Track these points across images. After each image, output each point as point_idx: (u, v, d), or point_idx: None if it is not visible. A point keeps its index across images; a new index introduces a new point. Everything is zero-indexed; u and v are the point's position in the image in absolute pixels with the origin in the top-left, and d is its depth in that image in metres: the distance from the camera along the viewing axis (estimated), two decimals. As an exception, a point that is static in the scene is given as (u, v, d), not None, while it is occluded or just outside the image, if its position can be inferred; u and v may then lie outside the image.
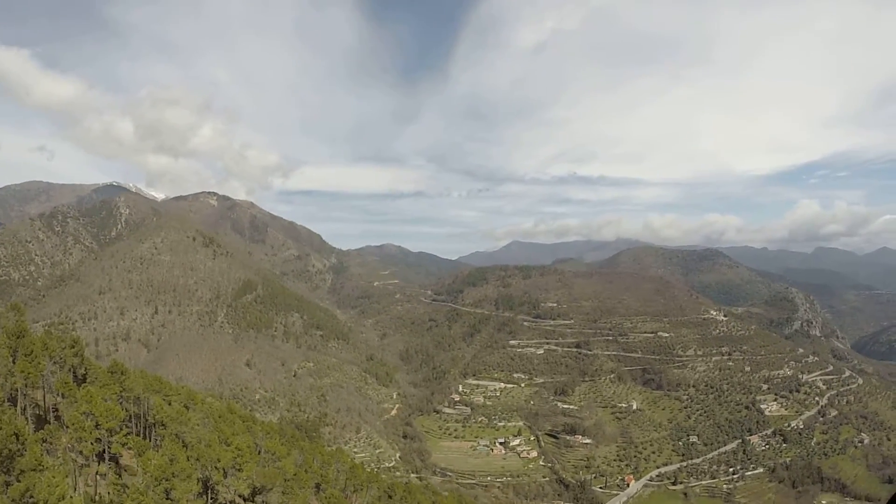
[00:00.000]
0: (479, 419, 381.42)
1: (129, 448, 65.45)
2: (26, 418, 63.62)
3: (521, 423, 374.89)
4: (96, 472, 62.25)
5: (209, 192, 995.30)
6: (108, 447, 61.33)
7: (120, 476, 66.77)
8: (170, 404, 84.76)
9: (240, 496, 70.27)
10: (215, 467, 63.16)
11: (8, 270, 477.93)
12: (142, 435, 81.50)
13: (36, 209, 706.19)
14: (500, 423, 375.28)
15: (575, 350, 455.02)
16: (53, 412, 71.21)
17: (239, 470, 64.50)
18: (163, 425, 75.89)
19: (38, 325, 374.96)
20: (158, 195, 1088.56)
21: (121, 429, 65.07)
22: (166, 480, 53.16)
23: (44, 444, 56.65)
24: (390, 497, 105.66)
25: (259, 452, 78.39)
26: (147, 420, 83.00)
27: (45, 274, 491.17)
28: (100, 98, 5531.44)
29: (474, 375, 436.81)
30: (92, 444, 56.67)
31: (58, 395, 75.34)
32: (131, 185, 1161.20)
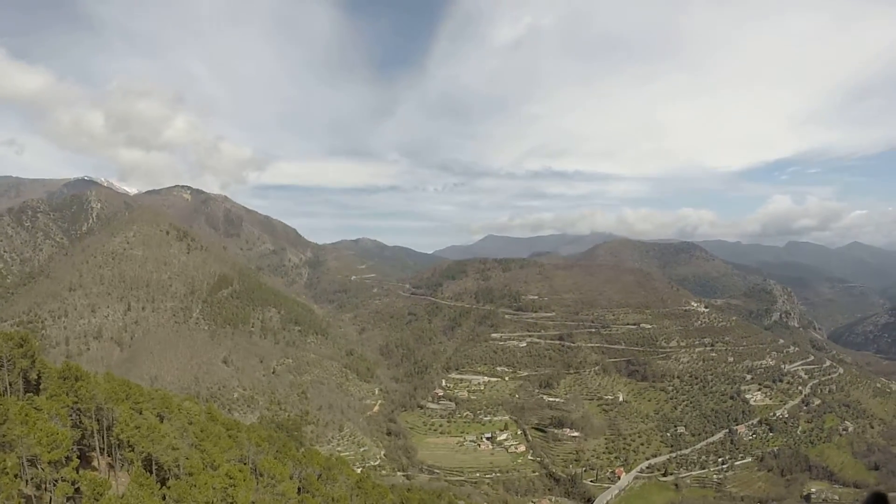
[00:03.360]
0: (465, 414, 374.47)
1: (80, 491, 50.35)
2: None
3: (507, 418, 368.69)
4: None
5: (183, 186, 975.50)
6: (52, 487, 49.34)
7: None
8: (140, 413, 73.05)
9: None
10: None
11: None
12: (105, 455, 70.62)
13: (5, 205, 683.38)
14: (485, 418, 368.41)
15: (558, 342, 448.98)
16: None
17: (233, 507, 54.15)
18: (130, 447, 63.86)
19: (5, 323, 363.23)
20: (131, 189, 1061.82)
21: (70, 458, 52.85)
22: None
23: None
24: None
25: (252, 470, 68.55)
26: (111, 439, 70.65)
27: (13, 271, 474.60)
28: (70, 90, 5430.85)
29: (457, 369, 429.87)
30: (25, 487, 46.43)
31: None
32: (103, 179, 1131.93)
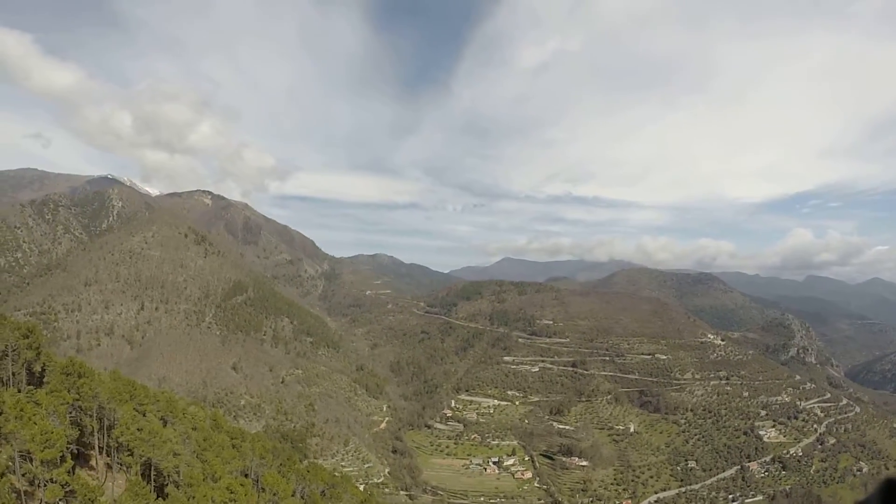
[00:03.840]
0: (472, 436, 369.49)
1: (72, 493, 46.70)
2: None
3: (515, 443, 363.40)
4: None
5: (204, 191, 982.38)
6: (43, 487, 45.77)
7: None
8: (144, 415, 70.12)
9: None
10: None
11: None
12: (104, 455, 67.48)
13: (28, 197, 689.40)
14: (493, 442, 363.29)
15: (571, 369, 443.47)
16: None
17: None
18: (129, 451, 60.88)
19: (19, 313, 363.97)
20: (153, 190, 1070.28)
21: (65, 458, 49.23)
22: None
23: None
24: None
25: (253, 483, 65.35)
26: (110, 442, 67.53)
27: (31, 261, 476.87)
28: (99, 89, 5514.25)
29: (467, 391, 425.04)
30: (18, 482, 43.42)
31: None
32: (126, 178, 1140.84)
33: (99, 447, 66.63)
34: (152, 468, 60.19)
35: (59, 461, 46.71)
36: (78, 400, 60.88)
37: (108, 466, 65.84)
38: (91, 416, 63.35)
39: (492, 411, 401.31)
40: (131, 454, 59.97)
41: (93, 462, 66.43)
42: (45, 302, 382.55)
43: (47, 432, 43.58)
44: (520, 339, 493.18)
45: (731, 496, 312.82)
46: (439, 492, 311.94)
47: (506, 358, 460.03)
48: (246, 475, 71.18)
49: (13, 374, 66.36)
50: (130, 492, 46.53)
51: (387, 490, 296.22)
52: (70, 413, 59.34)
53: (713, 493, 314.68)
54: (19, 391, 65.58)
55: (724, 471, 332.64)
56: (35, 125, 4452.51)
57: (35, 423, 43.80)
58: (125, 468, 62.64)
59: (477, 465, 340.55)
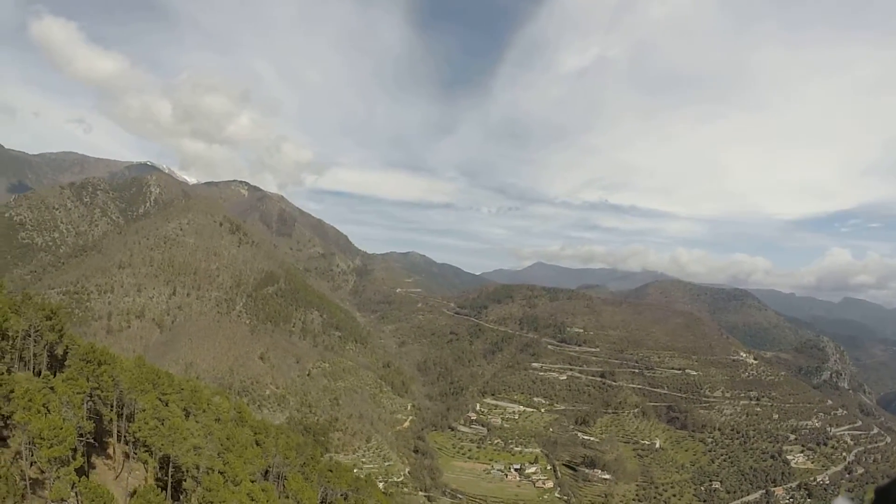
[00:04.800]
0: (495, 441, 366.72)
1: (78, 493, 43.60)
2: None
3: (538, 451, 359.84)
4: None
5: (240, 182, 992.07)
6: (50, 484, 42.83)
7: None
8: (166, 405, 68.06)
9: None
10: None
11: (32, 234, 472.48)
12: (122, 443, 65.28)
13: (68, 179, 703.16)
14: (516, 448, 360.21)
15: (599, 379, 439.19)
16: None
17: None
18: (147, 448, 58.65)
19: (53, 291, 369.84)
20: (190, 179, 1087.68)
21: (75, 455, 46.21)
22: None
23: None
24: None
25: (276, 480, 62.90)
26: (127, 435, 65.15)
27: (68, 242, 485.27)
28: (141, 77, 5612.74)
29: (493, 395, 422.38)
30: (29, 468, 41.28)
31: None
32: (164, 166, 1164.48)
33: (118, 434, 64.65)
34: (170, 463, 57.98)
35: (69, 457, 44.06)
36: (97, 389, 58.64)
37: (126, 455, 63.72)
38: (109, 406, 61.11)
39: (516, 417, 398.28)
40: (149, 451, 57.61)
41: (110, 450, 64.45)
42: (78, 282, 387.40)
43: (56, 427, 41.02)
44: (549, 346, 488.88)
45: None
46: (458, 495, 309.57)
47: (534, 364, 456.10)
48: (268, 472, 68.86)
49: (34, 355, 64.71)
50: (143, 499, 43.85)
51: (405, 490, 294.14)
52: (88, 402, 56.92)
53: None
54: (39, 374, 63.93)
55: (748, 494, 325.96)
56: (78, 111, 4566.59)
57: (44, 416, 41.59)
58: (145, 467, 60.16)
59: (498, 470, 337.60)
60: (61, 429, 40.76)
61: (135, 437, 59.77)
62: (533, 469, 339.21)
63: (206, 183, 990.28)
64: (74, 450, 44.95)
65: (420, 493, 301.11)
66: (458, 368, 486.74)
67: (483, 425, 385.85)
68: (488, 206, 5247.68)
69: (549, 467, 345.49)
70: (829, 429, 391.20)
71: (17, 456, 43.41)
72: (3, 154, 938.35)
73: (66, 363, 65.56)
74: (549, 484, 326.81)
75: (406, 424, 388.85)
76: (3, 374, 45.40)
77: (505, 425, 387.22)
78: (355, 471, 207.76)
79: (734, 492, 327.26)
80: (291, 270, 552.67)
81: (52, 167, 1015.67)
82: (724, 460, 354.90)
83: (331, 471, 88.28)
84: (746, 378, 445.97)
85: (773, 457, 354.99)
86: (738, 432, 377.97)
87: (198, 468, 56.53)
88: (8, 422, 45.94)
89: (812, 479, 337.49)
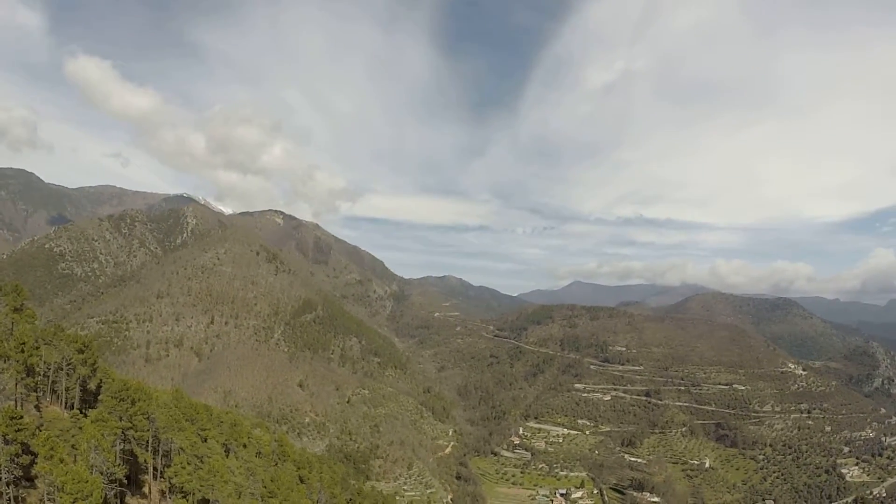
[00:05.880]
0: (540, 466, 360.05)
1: None
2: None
3: (584, 474, 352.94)
4: None
5: (276, 211, 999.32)
6: None
7: None
8: (205, 441, 64.21)
9: None
10: None
11: (72, 265, 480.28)
12: (158, 480, 61.28)
13: (107, 211, 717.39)
14: (561, 472, 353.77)
15: (644, 399, 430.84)
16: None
17: None
18: (184, 493, 54.22)
19: (92, 320, 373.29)
20: (226, 209, 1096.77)
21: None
22: None
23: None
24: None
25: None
26: (162, 477, 61.05)
27: (107, 272, 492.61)
28: (175, 112, 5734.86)
29: (536, 418, 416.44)
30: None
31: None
32: (200, 197, 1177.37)
33: (154, 469, 60.80)
34: (210, 505, 53.89)
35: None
36: (130, 428, 54.78)
37: (163, 493, 59.81)
38: (145, 445, 57.21)
39: (561, 440, 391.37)
40: (186, 497, 53.47)
41: (146, 488, 60.62)
42: (117, 311, 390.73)
43: (81, 480, 37.25)
44: (591, 366, 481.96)
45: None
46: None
47: (577, 385, 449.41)
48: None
49: (66, 389, 61.50)
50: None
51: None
52: (120, 444, 52.89)
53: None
54: (71, 408, 60.61)
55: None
56: (114, 145, 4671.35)
57: (68, 466, 37.78)
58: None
59: (544, 496, 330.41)
60: (87, 481, 36.96)
61: (170, 485, 55.78)
62: (579, 493, 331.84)
63: (241, 213, 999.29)
64: (105, 500, 41.21)
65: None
66: (500, 392, 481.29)
67: (527, 449, 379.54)
68: (523, 227, 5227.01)
69: (595, 491, 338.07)
70: (883, 438, 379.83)
71: (46, 497, 39.80)
72: (43, 188, 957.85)
73: (99, 397, 62.27)
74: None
75: (448, 450, 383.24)
76: (15, 414, 41.59)
77: (549, 449, 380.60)
78: (398, 498, 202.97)
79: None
80: (329, 297, 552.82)
81: (90, 200, 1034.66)
82: (777, 478, 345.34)
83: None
84: (796, 390, 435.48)
85: (827, 471, 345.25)
86: (790, 448, 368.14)
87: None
88: (35, 461, 42.71)
89: (868, 492, 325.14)
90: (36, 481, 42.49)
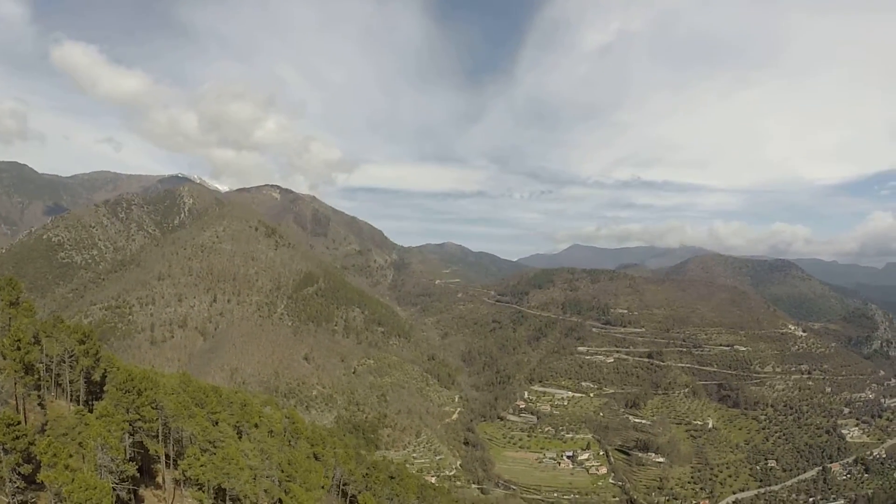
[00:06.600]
0: (546, 429, 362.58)
1: None
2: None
3: (589, 436, 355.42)
4: None
5: (272, 186, 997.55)
6: None
7: None
8: (216, 425, 64.74)
9: None
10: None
11: (71, 254, 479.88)
12: (171, 469, 61.84)
13: (103, 197, 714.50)
14: (567, 435, 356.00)
15: (647, 360, 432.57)
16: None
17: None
18: (199, 485, 55.01)
19: (95, 307, 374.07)
20: (222, 187, 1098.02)
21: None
22: None
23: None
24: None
25: (335, 492, 59.45)
26: (175, 467, 60.84)
27: (107, 258, 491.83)
28: (165, 92, 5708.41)
29: (540, 382, 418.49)
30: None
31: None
32: (196, 176, 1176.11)
33: (166, 457, 61.41)
34: (227, 494, 54.43)
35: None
36: (138, 420, 54.64)
37: (177, 482, 60.47)
38: (154, 437, 57.40)
39: (566, 403, 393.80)
40: (201, 488, 53.79)
41: (159, 478, 61.31)
42: (119, 296, 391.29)
43: (88, 487, 36.07)
44: (594, 329, 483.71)
45: (811, 499, 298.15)
46: (512, 486, 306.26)
47: (580, 348, 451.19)
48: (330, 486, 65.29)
49: (70, 382, 61.70)
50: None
51: (458, 483, 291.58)
52: (129, 438, 52.77)
53: (793, 496, 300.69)
54: (78, 402, 60.99)
55: (804, 471, 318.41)
56: (106, 130, 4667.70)
57: (74, 473, 37.11)
58: (199, 501, 56.13)
59: (551, 458, 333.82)
60: (94, 488, 36.09)
61: (185, 476, 56.03)
62: (585, 455, 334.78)
63: (238, 190, 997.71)
64: (118, 499, 41.29)
65: (473, 485, 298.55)
66: (503, 357, 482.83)
67: (532, 413, 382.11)
68: (520, 192, 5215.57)
69: (601, 453, 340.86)
70: (883, 400, 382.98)
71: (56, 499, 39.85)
72: (38, 179, 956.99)
73: (104, 388, 62.54)
74: (603, 470, 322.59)
75: (455, 417, 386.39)
76: (13, 420, 40.60)
77: (554, 412, 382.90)
78: (407, 466, 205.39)
79: (790, 469, 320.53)
80: (329, 269, 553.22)
81: (85, 187, 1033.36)
82: (779, 438, 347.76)
83: (392, 478, 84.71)
84: (796, 351, 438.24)
85: (827, 432, 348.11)
86: (791, 408, 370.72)
87: (256, 497, 52.97)
88: (38, 469, 42.37)
89: (868, 452, 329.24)
90: (43, 484, 42.17)
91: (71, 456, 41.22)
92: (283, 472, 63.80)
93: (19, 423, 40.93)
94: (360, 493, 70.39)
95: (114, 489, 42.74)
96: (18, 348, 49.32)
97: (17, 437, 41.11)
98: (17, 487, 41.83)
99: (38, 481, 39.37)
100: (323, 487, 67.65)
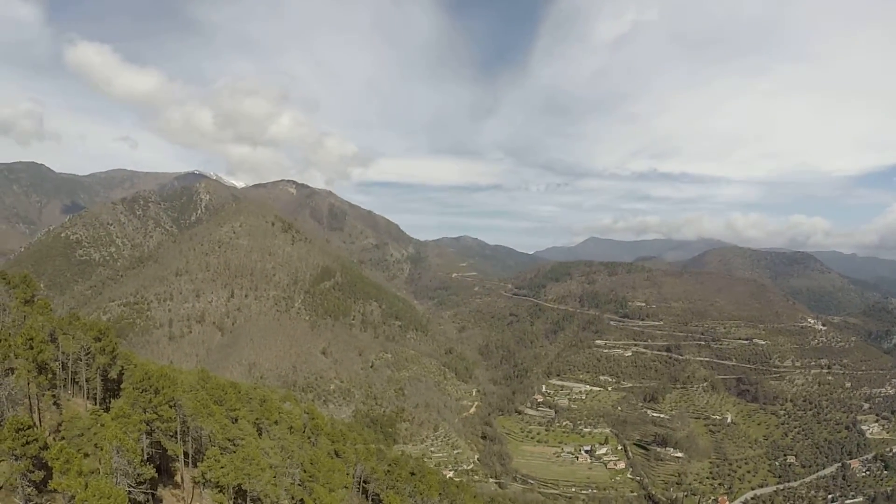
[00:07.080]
0: (564, 423, 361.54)
1: None
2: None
3: (608, 431, 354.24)
4: None
5: (288, 181, 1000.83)
6: None
7: None
8: (235, 422, 64.18)
9: None
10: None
11: (89, 251, 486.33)
12: (190, 467, 61.36)
13: (119, 195, 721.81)
14: (585, 429, 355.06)
15: (665, 354, 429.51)
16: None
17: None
18: (220, 487, 53.91)
19: (113, 303, 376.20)
20: (238, 183, 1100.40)
21: None
22: None
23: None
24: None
25: (357, 489, 58.80)
26: (195, 466, 59.93)
27: (124, 255, 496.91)
28: (180, 90, 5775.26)
29: (558, 375, 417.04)
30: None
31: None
32: (212, 173, 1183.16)
33: (185, 455, 60.89)
34: (247, 495, 53.76)
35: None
36: (156, 420, 53.89)
37: (196, 482, 59.86)
38: (172, 437, 56.67)
39: (584, 397, 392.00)
40: (221, 490, 52.97)
41: (177, 477, 60.82)
42: (138, 292, 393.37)
43: (103, 496, 35.06)
44: (611, 322, 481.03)
45: (830, 496, 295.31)
46: (530, 480, 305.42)
47: (597, 341, 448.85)
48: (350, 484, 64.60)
49: (87, 380, 61.18)
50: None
51: (476, 477, 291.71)
52: (146, 438, 51.96)
53: (812, 492, 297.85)
54: (95, 399, 60.51)
55: (824, 468, 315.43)
56: (122, 129, 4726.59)
57: (89, 482, 36.02)
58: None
59: (569, 453, 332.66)
60: (109, 496, 34.87)
61: (204, 479, 55.17)
62: (604, 450, 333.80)
63: (254, 185, 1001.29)
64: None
65: (490, 479, 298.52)
66: (521, 350, 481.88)
67: (550, 407, 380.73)
68: (536, 185, 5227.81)
69: (619, 447, 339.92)
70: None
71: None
72: (55, 178, 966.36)
73: (121, 385, 61.94)
74: (621, 465, 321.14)
75: (472, 410, 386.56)
76: (23, 425, 39.24)
77: (572, 406, 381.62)
78: (425, 460, 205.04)
79: (809, 466, 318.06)
80: (346, 264, 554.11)
81: (102, 185, 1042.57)
82: (798, 433, 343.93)
83: (413, 474, 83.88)
84: (816, 346, 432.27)
85: (847, 428, 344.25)
86: (810, 403, 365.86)
87: (277, 497, 52.31)
88: (50, 476, 41.25)
89: (888, 449, 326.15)
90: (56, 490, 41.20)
91: (87, 455, 40.57)
92: (305, 471, 63.19)
93: (30, 427, 39.75)
94: (381, 491, 69.48)
95: (129, 493, 41.78)
96: (31, 347, 48.57)
97: (28, 443, 40.04)
98: (29, 494, 40.81)
99: (51, 489, 38.40)
100: (346, 487, 66.98)
